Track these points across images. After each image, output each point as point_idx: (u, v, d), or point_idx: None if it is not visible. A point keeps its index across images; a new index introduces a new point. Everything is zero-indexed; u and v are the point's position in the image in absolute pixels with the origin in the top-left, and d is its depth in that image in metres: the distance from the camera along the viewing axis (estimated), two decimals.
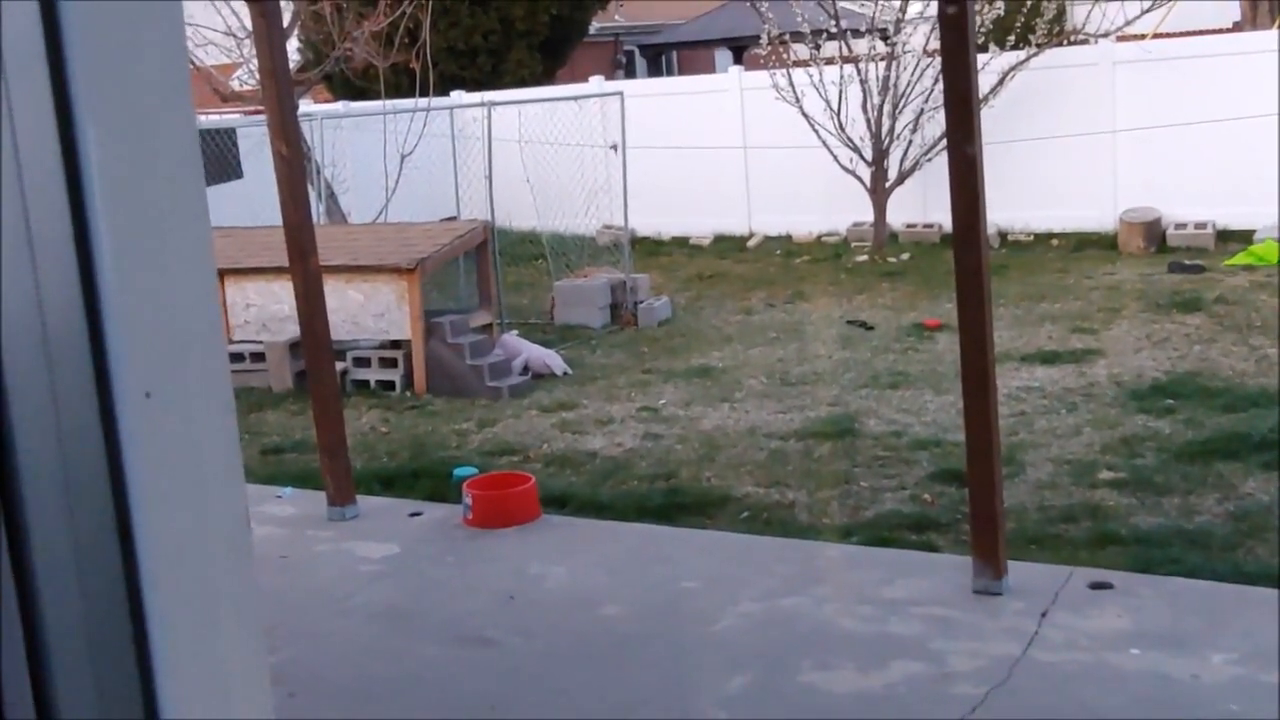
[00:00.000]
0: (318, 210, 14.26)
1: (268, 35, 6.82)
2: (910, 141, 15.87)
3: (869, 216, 16.32)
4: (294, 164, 6.94)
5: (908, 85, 15.80)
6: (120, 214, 0.99)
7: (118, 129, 0.99)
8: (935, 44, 14.75)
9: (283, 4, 12.25)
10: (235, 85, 17.21)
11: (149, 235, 1.02)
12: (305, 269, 7.00)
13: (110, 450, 0.99)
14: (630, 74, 33.32)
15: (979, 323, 5.35)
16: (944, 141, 5.59)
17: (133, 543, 1.00)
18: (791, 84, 16.00)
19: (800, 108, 15.94)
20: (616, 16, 32.51)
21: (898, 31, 15.86)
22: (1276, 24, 18.71)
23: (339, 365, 10.34)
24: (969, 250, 5.31)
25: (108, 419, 0.99)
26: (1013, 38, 15.60)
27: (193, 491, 1.05)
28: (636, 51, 34.35)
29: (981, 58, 14.55)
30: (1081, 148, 15.42)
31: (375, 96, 16.56)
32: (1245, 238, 14.39)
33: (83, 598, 0.98)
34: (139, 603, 1.01)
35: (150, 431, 1.01)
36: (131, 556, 1.00)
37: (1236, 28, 21.02)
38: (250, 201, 12.57)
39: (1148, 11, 16.48)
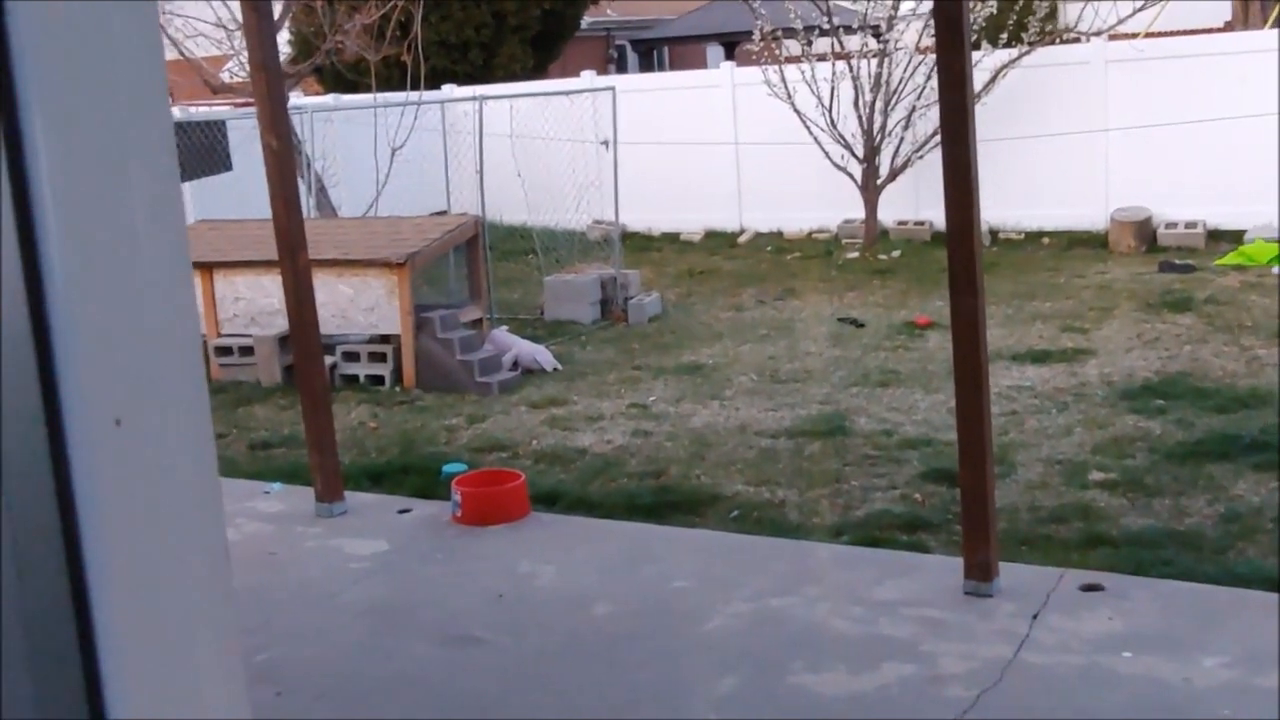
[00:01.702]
0: (308, 204, 14.20)
1: (258, 28, 6.78)
2: (902, 139, 15.84)
3: (860, 213, 16.30)
4: (284, 158, 6.90)
5: (900, 82, 15.77)
6: (76, 215, 0.90)
7: (73, 120, 0.90)
8: (927, 41, 14.76)
9: None
10: (226, 77, 17.15)
11: (113, 240, 0.94)
12: (295, 264, 6.96)
13: (63, 485, 0.90)
14: (622, 69, 33.27)
15: (972, 325, 5.32)
16: (936, 139, 5.57)
17: (86, 586, 0.92)
18: (783, 80, 15.97)
19: (792, 104, 15.91)
20: (608, 11, 32.46)
21: (890, 28, 15.83)
22: (1268, 23, 18.73)
23: (328, 360, 10.29)
24: (962, 248, 5.29)
25: (59, 450, 0.90)
26: (1005, 36, 15.58)
27: (167, 528, 0.99)
28: (628, 46, 34.30)
29: (973, 56, 14.53)
30: (1073, 146, 15.41)
31: (366, 90, 16.51)
32: (1236, 237, 14.40)
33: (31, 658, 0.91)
34: (98, 653, 0.94)
35: (120, 463, 0.93)
36: (86, 601, 0.93)
37: (1228, 27, 21.04)
38: (240, 194, 12.51)
39: (1140, 10, 16.46)
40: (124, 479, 0.94)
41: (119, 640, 0.94)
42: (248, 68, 8.05)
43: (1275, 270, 12.99)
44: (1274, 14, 19.24)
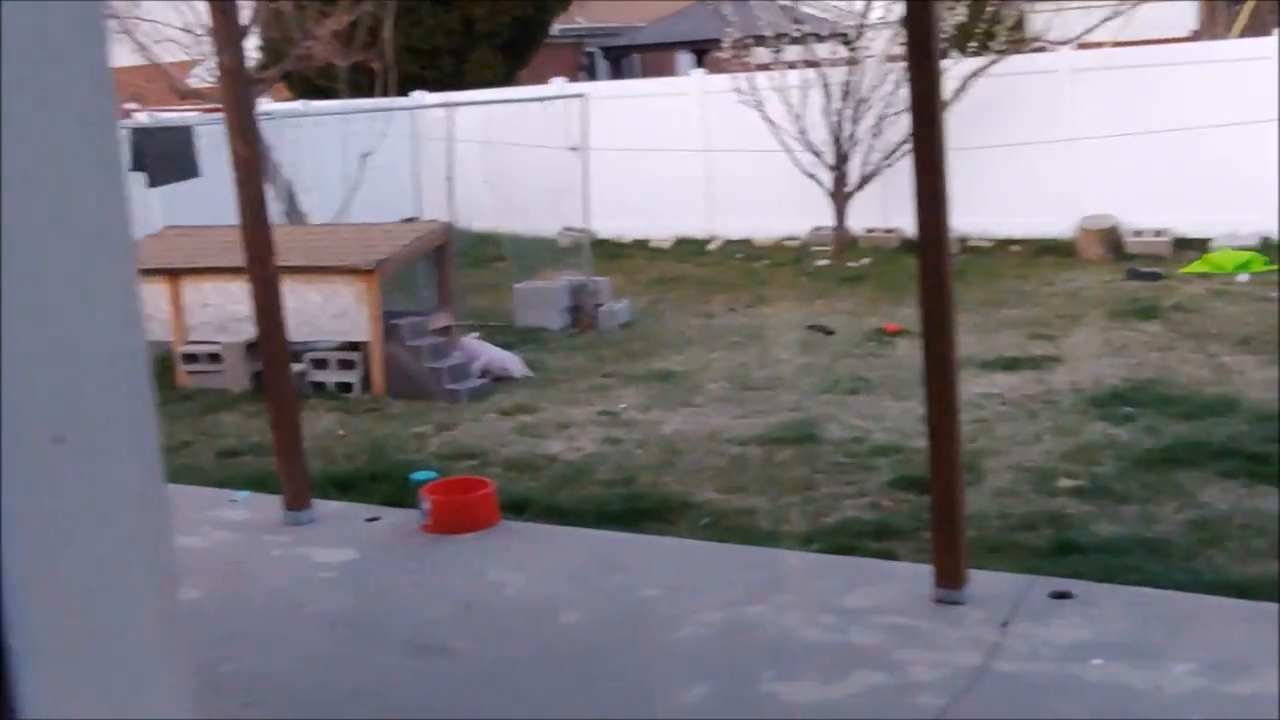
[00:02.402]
0: (277, 210, 14.13)
1: (225, 33, 6.73)
2: (871, 146, 15.87)
3: (830, 221, 16.33)
4: (252, 164, 6.85)
5: (869, 90, 15.81)
6: (16, 224, 0.87)
7: (14, 127, 0.87)
8: (897, 49, 14.79)
9: (242, 2, 12.12)
10: (194, 82, 17.04)
11: (54, 251, 0.90)
12: (263, 271, 6.92)
13: None
14: (592, 76, 33.25)
15: (942, 333, 5.33)
16: (905, 147, 5.58)
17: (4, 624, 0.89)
18: (753, 87, 16.00)
19: (762, 111, 15.94)
20: (579, 19, 32.44)
21: (860, 36, 15.88)
22: (1234, 32, 18.88)
23: (297, 367, 10.23)
24: (933, 257, 5.29)
25: None
26: (974, 44, 15.65)
27: (108, 549, 0.95)
28: (599, 53, 34.29)
29: (942, 64, 14.57)
30: (1041, 154, 15.48)
31: (336, 96, 16.44)
32: (1202, 246, 14.50)
33: None
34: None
35: (59, 484, 0.90)
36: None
37: (1195, 36, 21.20)
38: (208, 200, 12.40)
39: (1107, 20, 16.58)
40: (62, 497, 0.91)
41: (41, 658, 0.90)
42: (216, 73, 8.00)
43: (1240, 278, 13.08)
44: (1239, 23, 19.40)
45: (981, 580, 5.60)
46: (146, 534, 0.98)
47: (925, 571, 5.62)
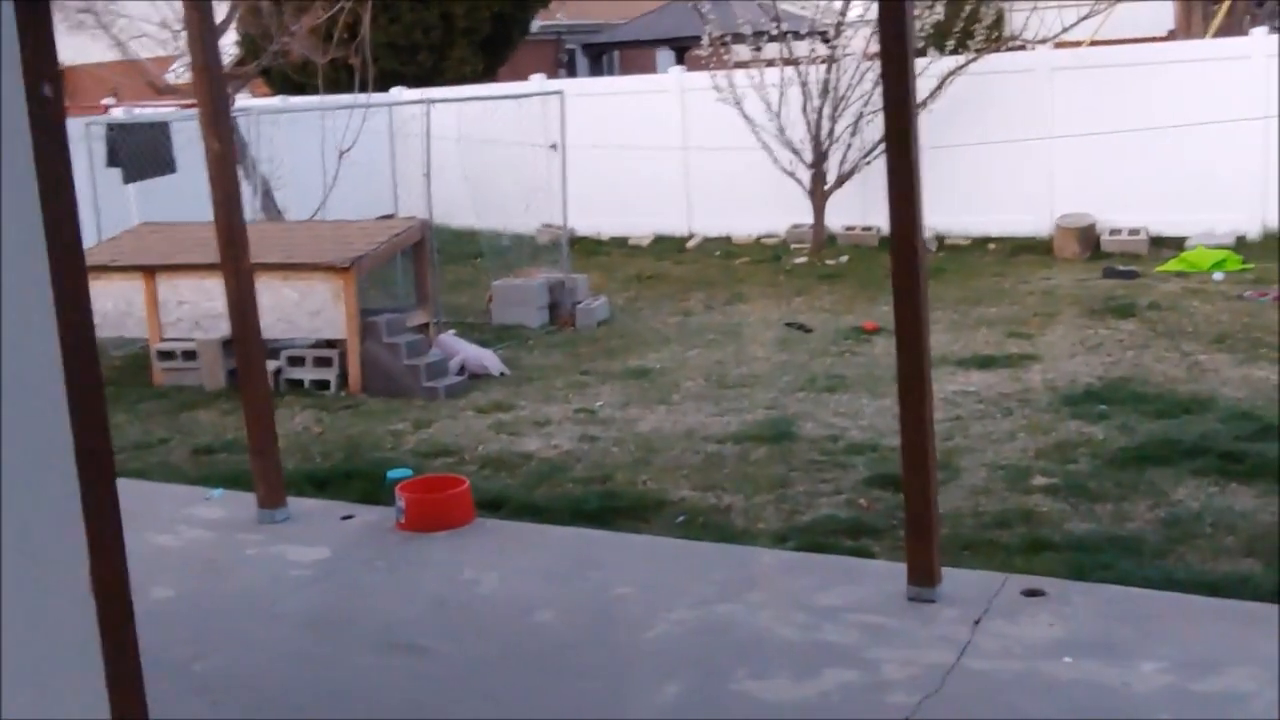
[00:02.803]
0: (254, 206, 14.08)
1: (200, 29, 6.70)
2: (849, 144, 15.91)
3: (808, 219, 16.35)
4: (226, 160, 6.83)
5: (847, 88, 15.84)
6: None
7: None
8: (875, 47, 14.81)
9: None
10: (171, 78, 16.98)
11: None
12: (237, 268, 6.89)
13: None
14: (572, 73, 33.23)
15: (915, 332, 5.34)
16: (883, 145, 5.58)
17: None
18: (732, 85, 16.01)
19: (741, 109, 15.95)
20: (559, 15, 32.40)
21: (838, 34, 15.90)
22: (1210, 32, 18.95)
23: (273, 364, 10.20)
24: (906, 257, 5.30)
25: None
26: (951, 43, 15.68)
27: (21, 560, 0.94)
28: (578, 50, 34.26)
29: (920, 62, 14.61)
30: (1019, 153, 15.53)
31: (314, 92, 16.40)
32: (1178, 244, 14.57)
33: None
34: None
35: None
36: None
37: (1171, 36, 21.29)
38: (184, 196, 12.35)
39: (1085, 19, 16.63)
40: None
41: None
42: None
43: (1216, 276, 13.15)
44: (1215, 23, 19.48)
45: (955, 578, 5.62)
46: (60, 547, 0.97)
47: (899, 570, 5.63)
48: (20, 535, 0.95)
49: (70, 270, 1.81)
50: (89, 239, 12.12)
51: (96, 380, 1.87)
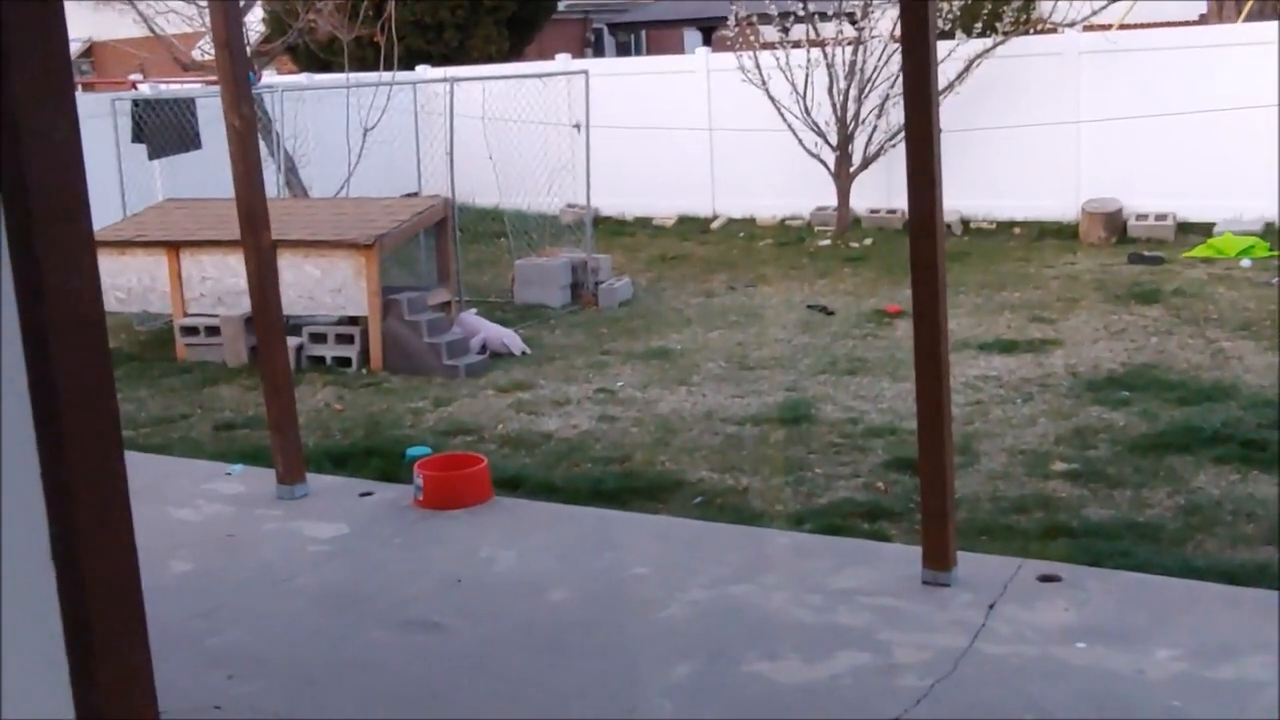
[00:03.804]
0: (278, 183, 14.12)
1: (223, 6, 6.71)
2: (875, 127, 15.84)
3: (833, 201, 16.30)
4: (248, 137, 6.84)
5: (874, 70, 15.76)
6: None
7: None
8: None
9: None
10: (197, 55, 17.02)
11: None
12: (258, 244, 6.91)
13: None
14: (599, 53, 33.17)
15: (933, 315, 5.32)
16: None
17: None
18: (758, 66, 15.95)
19: (766, 90, 15.90)
20: None
21: (865, 16, 15.81)
22: (1241, 17, 18.78)
23: (295, 341, 10.24)
24: (925, 240, 5.28)
25: None
26: (979, 25, 15.59)
27: None
28: (605, 30, 34.19)
29: (947, 45, 14.54)
30: (1045, 137, 15.43)
31: (339, 69, 16.41)
32: (1205, 230, 14.45)
33: None
34: None
35: None
36: None
37: (1202, 20, 21.10)
38: (209, 172, 12.40)
39: (1114, 2, 16.49)
40: None
41: None
42: None
43: (1243, 263, 13.05)
44: (1247, 7, 19.29)
45: (970, 562, 5.61)
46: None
47: (915, 553, 5.62)
48: None
49: (72, 243, 1.81)
50: (114, 214, 12.18)
51: (105, 365, 1.87)
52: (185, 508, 6.98)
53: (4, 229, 1.36)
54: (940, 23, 14.47)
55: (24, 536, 1.01)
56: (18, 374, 0.96)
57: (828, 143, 16.02)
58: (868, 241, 15.57)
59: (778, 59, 15.94)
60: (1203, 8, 21.78)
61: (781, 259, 14.99)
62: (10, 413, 0.95)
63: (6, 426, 0.96)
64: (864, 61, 15.77)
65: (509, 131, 14.88)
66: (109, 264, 10.78)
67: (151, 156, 13.44)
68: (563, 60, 18.90)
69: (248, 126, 6.82)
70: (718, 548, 6.05)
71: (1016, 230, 15.60)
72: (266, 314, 7.05)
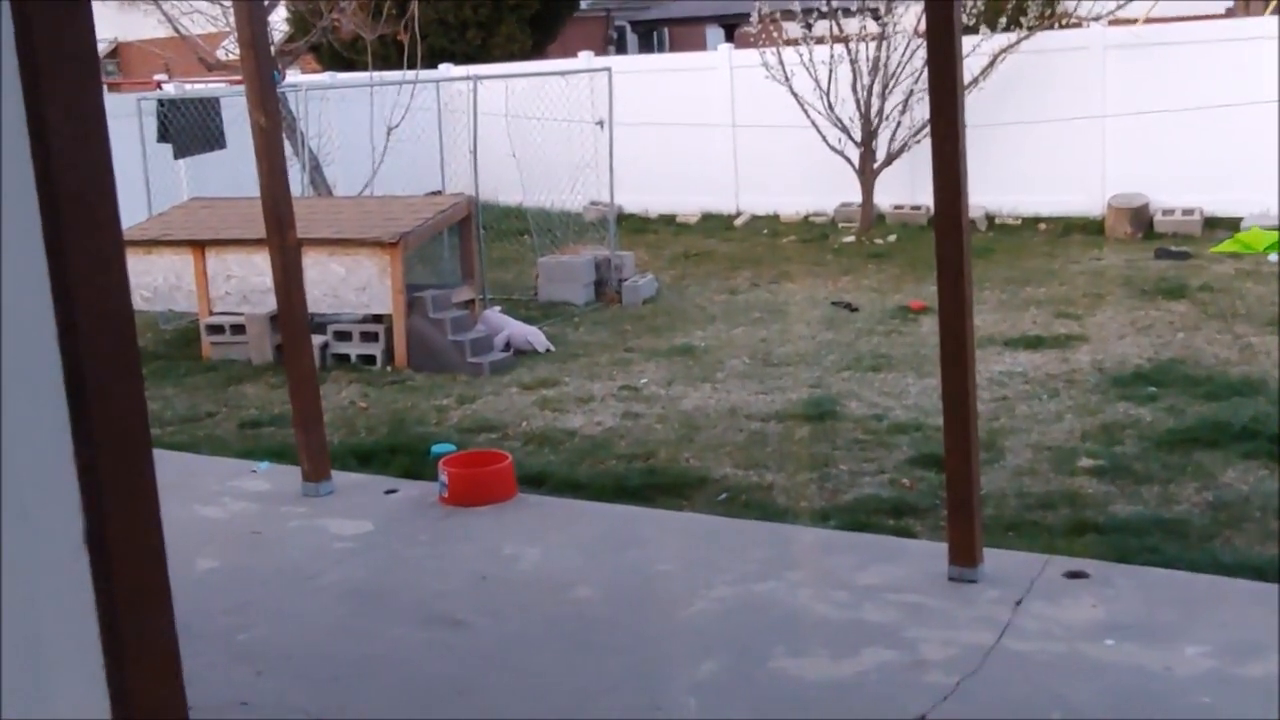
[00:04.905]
0: (302, 182, 14.17)
1: (247, 6, 6.73)
2: (899, 123, 15.80)
3: (857, 197, 16.26)
4: (273, 136, 6.86)
5: (898, 66, 15.73)
6: None
7: None
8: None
9: None
10: (221, 54, 17.08)
11: None
12: (283, 243, 6.93)
13: None
14: (622, 50, 33.17)
15: (959, 314, 5.30)
16: None
17: None
18: (781, 63, 15.93)
19: (790, 87, 15.87)
20: None
21: (889, 11, 15.77)
22: (1268, 10, 18.64)
23: (320, 339, 10.28)
24: (949, 235, 5.26)
25: None
26: (1004, 20, 15.52)
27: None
28: (628, 27, 34.19)
29: (972, 40, 14.49)
30: (1071, 132, 15.36)
31: (363, 68, 16.45)
32: (1232, 225, 14.37)
33: None
34: None
35: None
36: None
37: (1229, 14, 20.95)
38: (233, 171, 12.47)
39: None
40: None
41: None
42: None
43: (1271, 258, 12.96)
44: (1275, 3, 19.16)
45: (997, 559, 5.58)
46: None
47: (941, 549, 5.60)
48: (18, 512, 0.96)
49: (101, 241, 1.82)
50: (140, 214, 12.24)
51: (133, 362, 1.87)
52: (211, 505, 7.01)
53: (38, 231, 1.36)
54: (965, 18, 14.43)
55: (60, 532, 1.01)
56: (54, 369, 0.97)
57: (851, 139, 15.98)
58: (892, 238, 15.53)
59: (801, 55, 15.91)
60: (1229, 2, 21.63)
61: (805, 255, 14.97)
62: (44, 410, 0.96)
63: (41, 421, 0.97)
64: (888, 57, 15.73)
65: (532, 129, 14.90)
66: (135, 263, 10.84)
67: (177, 156, 13.51)
68: (585, 58, 18.90)
69: (273, 125, 6.84)
70: (742, 544, 6.05)
71: (1042, 226, 15.53)
72: (291, 312, 7.07)
